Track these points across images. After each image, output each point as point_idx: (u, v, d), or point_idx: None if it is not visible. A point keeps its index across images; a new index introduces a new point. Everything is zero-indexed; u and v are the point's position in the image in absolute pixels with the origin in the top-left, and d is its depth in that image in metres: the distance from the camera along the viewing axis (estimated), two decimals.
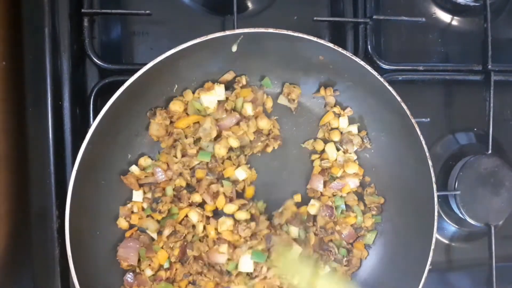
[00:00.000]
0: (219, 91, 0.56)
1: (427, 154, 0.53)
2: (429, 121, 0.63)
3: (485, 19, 0.64)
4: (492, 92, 0.64)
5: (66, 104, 0.55)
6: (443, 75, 0.68)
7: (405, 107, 0.53)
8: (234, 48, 0.53)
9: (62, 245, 0.54)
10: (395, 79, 0.64)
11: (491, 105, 0.64)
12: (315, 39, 0.51)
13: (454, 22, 0.71)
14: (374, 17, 0.63)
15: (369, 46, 0.63)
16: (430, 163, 0.53)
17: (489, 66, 0.65)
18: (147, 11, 0.57)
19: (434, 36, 0.70)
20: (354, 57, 0.52)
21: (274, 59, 0.56)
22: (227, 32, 0.50)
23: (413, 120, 0.53)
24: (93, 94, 0.57)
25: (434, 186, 0.53)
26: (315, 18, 0.61)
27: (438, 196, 0.67)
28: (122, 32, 0.62)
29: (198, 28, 0.62)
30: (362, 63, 0.53)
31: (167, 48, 0.62)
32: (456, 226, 0.69)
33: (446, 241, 0.69)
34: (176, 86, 0.56)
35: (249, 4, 0.64)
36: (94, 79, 0.59)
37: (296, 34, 0.51)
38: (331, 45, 0.52)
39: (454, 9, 0.70)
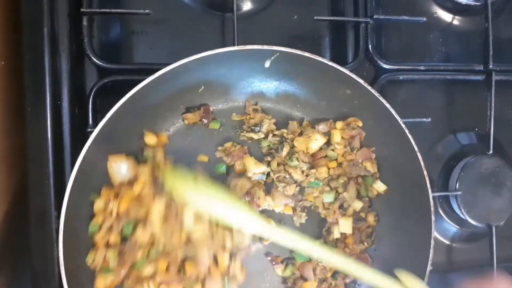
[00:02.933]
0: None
1: (419, 155, 0.53)
2: (430, 121, 0.63)
3: (486, 18, 0.64)
4: (493, 92, 0.64)
5: (65, 103, 0.54)
6: (444, 75, 0.67)
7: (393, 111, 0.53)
8: (267, 64, 0.53)
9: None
10: (396, 78, 0.64)
11: (492, 105, 0.64)
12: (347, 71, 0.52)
13: (455, 22, 0.71)
14: (375, 16, 0.62)
15: (369, 46, 0.63)
16: (422, 163, 0.53)
17: (490, 66, 0.64)
18: (146, 11, 0.56)
19: (435, 35, 0.70)
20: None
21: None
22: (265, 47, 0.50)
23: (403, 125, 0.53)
24: (92, 94, 0.56)
25: (428, 185, 0.53)
26: (315, 18, 0.61)
27: (439, 197, 0.67)
28: (121, 31, 0.62)
29: (197, 27, 0.62)
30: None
31: (166, 47, 0.62)
32: (457, 227, 0.68)
33: (447, 242, 0.69)
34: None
35: (249, 3, 0.64)
36: (93, 79, 0.59)
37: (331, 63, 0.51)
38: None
39: (455, 9, 0.70)
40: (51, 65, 0.54)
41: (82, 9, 0.56)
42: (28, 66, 0.54)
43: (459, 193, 0.64)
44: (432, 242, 0.53)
